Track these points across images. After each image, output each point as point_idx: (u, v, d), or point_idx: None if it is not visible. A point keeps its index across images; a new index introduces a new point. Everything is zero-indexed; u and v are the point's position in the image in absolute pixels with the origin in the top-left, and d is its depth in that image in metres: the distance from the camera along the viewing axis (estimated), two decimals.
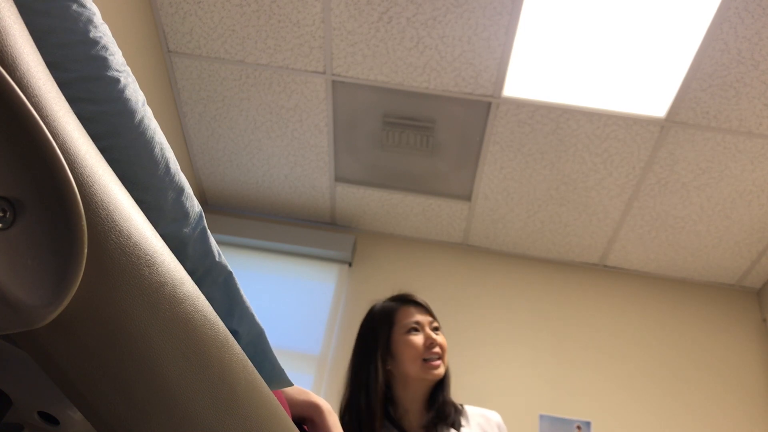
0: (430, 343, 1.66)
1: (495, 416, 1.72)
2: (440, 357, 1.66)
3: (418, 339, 1.66)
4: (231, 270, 0.63)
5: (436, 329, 1.72)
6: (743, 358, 3.14)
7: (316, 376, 2.98)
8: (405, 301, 1.76)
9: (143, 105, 0.55)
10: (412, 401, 1.66)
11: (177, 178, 0.57)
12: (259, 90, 2.82)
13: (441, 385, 1.68)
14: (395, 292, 1.82)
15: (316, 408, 0.92)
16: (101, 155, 0.44)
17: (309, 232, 3.32)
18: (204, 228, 0.61)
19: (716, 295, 3.33)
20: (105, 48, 0.53)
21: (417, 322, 1.69)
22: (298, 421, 0.93)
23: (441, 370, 1.66)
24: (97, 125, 0.51)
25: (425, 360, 1.64)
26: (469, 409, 1.71)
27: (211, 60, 2.73)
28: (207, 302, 0.51)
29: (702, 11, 2.27)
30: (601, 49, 2.44)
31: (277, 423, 0.62)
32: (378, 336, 1.69)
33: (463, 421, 1.65)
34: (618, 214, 3.09)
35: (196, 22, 2.60)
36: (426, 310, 1.74)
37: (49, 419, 0.57)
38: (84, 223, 0.36)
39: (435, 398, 1.66)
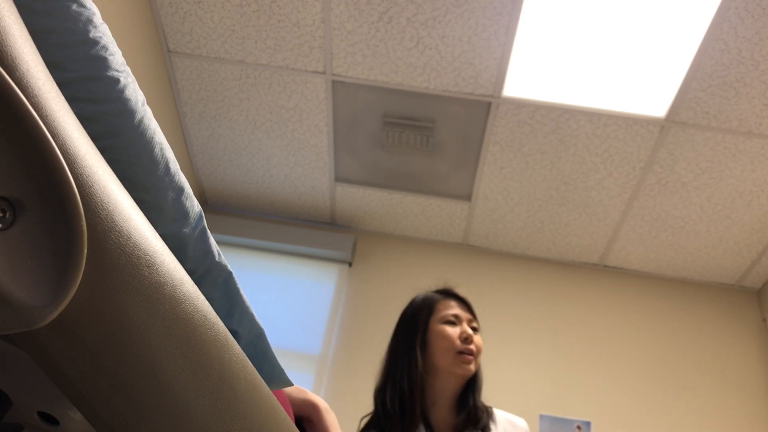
0: (465, 338, 1.63)
1: (522, 423, 1.70)
2: (473, 353, 1.63)
3: (453, 331, 1.64)
4: (231, 270, 0.63)
5: (474, 329, 1.69)
6: (743, 358, 3.14)
7: (316, 376, 2.98)
8: (448, 294, 1.74)
9: (143, 105, 0.55)
10: (439, 395, 1.63)
11: (177, 178, 0.57)
12: (259, 90, 2.82)
13: (472, 386, 1.65)
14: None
15: (314, 407, 0.92)
16: (101, 155, 0.44)
17: (309, 232, 3.32)
18: (204, 228, 0.61)
19: (716, 295, 3.33)
20: (105, 48, 0.53)
21: (456, 315, 1.67)
22: (297, 420, 0.93)
23: (472, 367, 1.62)
24: (97, 125, 0.51)
25: (458, 353, 1.61)
26: (497, 413, 1.68)
27: (211, 60, 2.73)
28: (207, 302, 0.51)
29: (702, 11, 2.27)
30: (601, 49, 2.44)
31: (277, 423, 0.62)
32: (417, 322, 1.67)
33: (491, 425, 1.62)
34: (618, 214, 3.09)
35: (196, 22, 2.60)
36: (468, 307, 1.73)
37: (49, 419, 0.57)
38: (83, 223, 0.36)
39: (465, 400, 1.63)
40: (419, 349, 1.63)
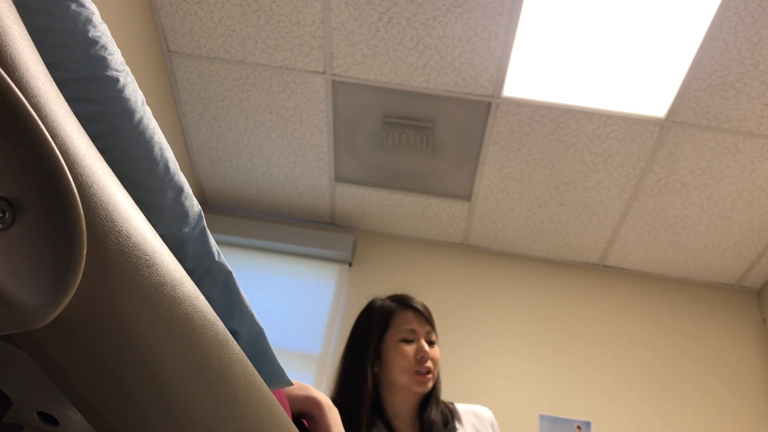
0: (421, 357, 1.60)
1: (486, 413, 1.69)
2: (430, 371, 1.61)
3: (409, 349, 1.61)
4: (231, 270, 0.63)
5: (431, 342, 1.66)
6: (743, 358, 3.14)
7: (316, 376, 2.98)
8: (406, 305, 1.69)
9: (142, 104, 0.55)
10: (400, 408, 1.62)
11: (176, 177, 0.57)
12: (259, 90, 2.82)
13: (429, 397, 1.63)
14: (398, 291, 1.76)
15: (315, 403, 0.92)
16: (100, 155, 0.44)
17: (309, 232, 3.32)
18: (203, 228, 0.60)
19: (716, 295, 3.33)
20: (104, 47, 0.53)
21: (413, 331, 1.63)
22: (298, 416, 0.92)
23: (428, 385, 1.61)
24: (97, 125, 0.51)
25: (415, 372, 1.59)
26: (460, 408, 1.67)
27: (211, 60, 2.73)
28: (206, 302, 0.51)
29: (702, 11, 2.27)
30: (601, 49, 2.44)
31: (277, 423, 0.62)
32: (371, 337, 1.64)
33: (456, 425, 1.62)
34: (618, 214, 3.09)
35: (196, 22, 2.60)
36: (426, 318, 1.68)
37: (49, 419, 0.57)
38: (83, 223, 0.36)
39: (423, 410, 1.62)
40: (370, 366, 1.61)
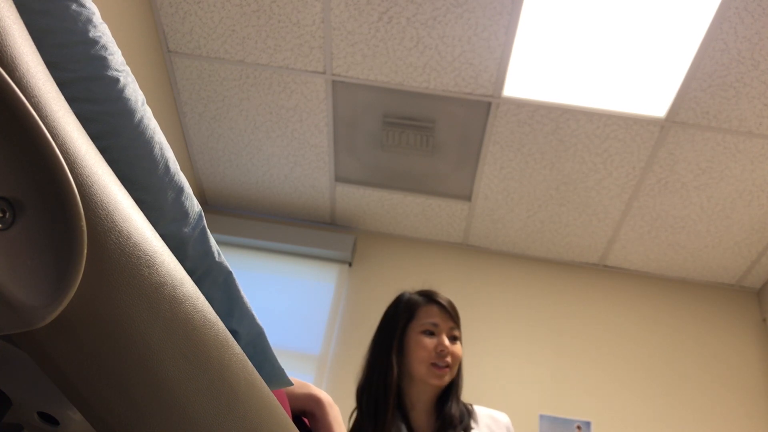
0: (440, 350, 1.63)
1: (504, 418, 1.71)
2: (448, 366, 1.63)
3: (430, 342, 1.64)
4: (231, 270, 0.63)
5: (454, 338, 1.68)
6: (743, 358, 3.14)
7: (316, 376, 2.98)
8: (432, 299, 1.72)
9: (143, 104, 0.55)
10: (417, 400, 1.65)
11: (176, 177, 0.57)
12: (259, 90, 2.82)
13: (449, 392, 1.65)
14: (424, 287, 1.79)
15: (317, 401, 0.92)
16: (101, 155, 0.44)
17: (309, 232, 3.32)
18: (204, 228, 0.60)
19: (716, 295, 3.33)
20: (104, 47, 0.53)
21: (435, 324, 1.66)
22: (299, 414, 0.92)
23: (445, 379, 1.63)
24: (97, 125, 0.51)
25: (432, 364, 1.62)
26: (478, 410, 1.69)
27: (211, 60, 2.73)
28: (207, 302, 0.51)
29: (702, 11, 2.27)
30: (601, 49, 2.44)
31: (277, 423, 0.62)
32: (396, 327, 1.68)
33: (472, 424, 1.64)
34: (618, 214, 3.09)
35: (196, 22, 2.60)
36: (450, 314, 1.70)
37: (49, 419, 0.57)
38: (83, 223, 0.36)
39: (442, 405, 1.64)
40: (395, 355, 1.64)
